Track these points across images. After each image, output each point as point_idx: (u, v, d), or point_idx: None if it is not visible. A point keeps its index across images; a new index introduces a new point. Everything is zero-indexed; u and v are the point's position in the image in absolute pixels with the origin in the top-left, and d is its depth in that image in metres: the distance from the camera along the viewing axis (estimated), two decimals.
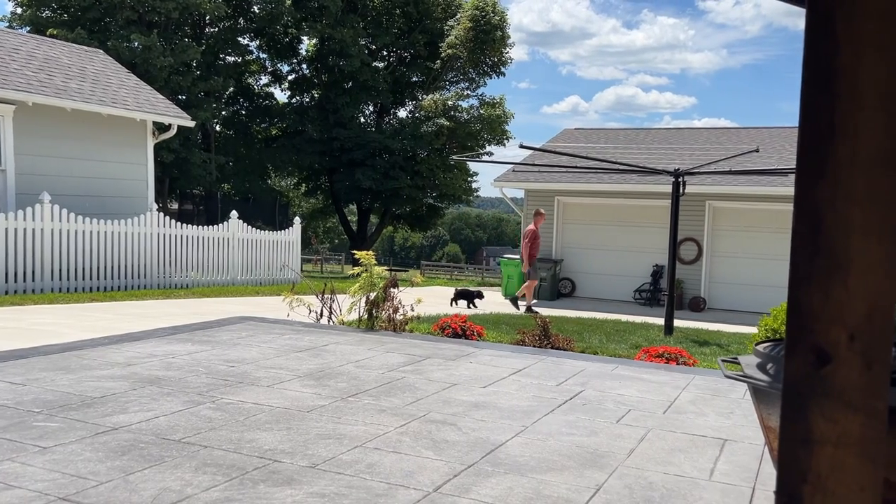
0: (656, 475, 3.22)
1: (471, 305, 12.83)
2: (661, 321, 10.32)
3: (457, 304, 12.80)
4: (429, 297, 13.76)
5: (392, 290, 6.88)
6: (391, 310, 6.97)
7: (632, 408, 4.38)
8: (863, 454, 1.59)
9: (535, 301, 17.06)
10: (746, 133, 22.26)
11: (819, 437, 1.62)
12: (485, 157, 26.40)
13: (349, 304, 7.17)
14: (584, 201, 18.93)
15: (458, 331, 6.79)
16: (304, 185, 31.67)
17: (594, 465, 3.32)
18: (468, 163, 29.73)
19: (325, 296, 7.46)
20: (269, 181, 32.49)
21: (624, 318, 12.89)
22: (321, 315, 7.44)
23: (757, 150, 10.97)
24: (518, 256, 19.38)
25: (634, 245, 18.74)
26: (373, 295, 6.98)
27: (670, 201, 10.04)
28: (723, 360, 2.80)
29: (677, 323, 10.20)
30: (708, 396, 4.71)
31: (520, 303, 12.88)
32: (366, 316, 6.96)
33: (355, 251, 7.32)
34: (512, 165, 19.00)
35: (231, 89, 28.47)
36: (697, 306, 16.76)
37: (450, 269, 54.74)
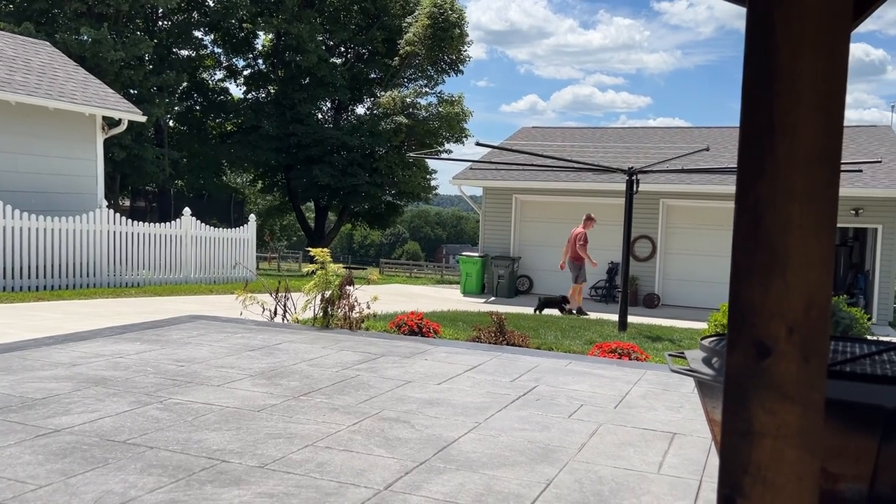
0: (606, 469, 3.25)
1: (563, 311, 12.46)
2: (615, 317, 10.44)
3: (540, 312, 12.24)
4: (386, 296, 13.69)
5: (348, 287, 6.83)
6: (347, 308, 6.91)
7: (584, 403, 4.42)
8: (801, 445, 1.62)
9: (493, 298, 17.12)
10: (699, 132, 22.69)
11: (759, 429, 1.64)
12: (443, 155, 26.40)
13: (304, 303, 7.09)
14: (542, 199, 19.08)
15: (414, 328, 6.77)
16: (260, 181, 31.24)
17: (545, 460, 3.33)
18: (427, 160, 29.70)
19: (280, 294, 7.37)
20: (225, 178, 31.98)
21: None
22: (275, 313, 7.35)
23: (707, 149, 11.18)
24: (476, 254, 19.45)
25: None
26: (328, 293, 6.91)
27: (623, 201, 10.17)
28: (670, 355, 2.84)
29: (632, 319, 10.34)
30: (658, 391, 4.78)
31: (566, 306, 12.72)
32: (321, 314, 6.90)
33: (310, 248, 7.24)
34: (470, 163, 19.04)
35: (185, 84, 27.92)
36: (652, 303, 17.02)
37: (409, 266, 54.66)
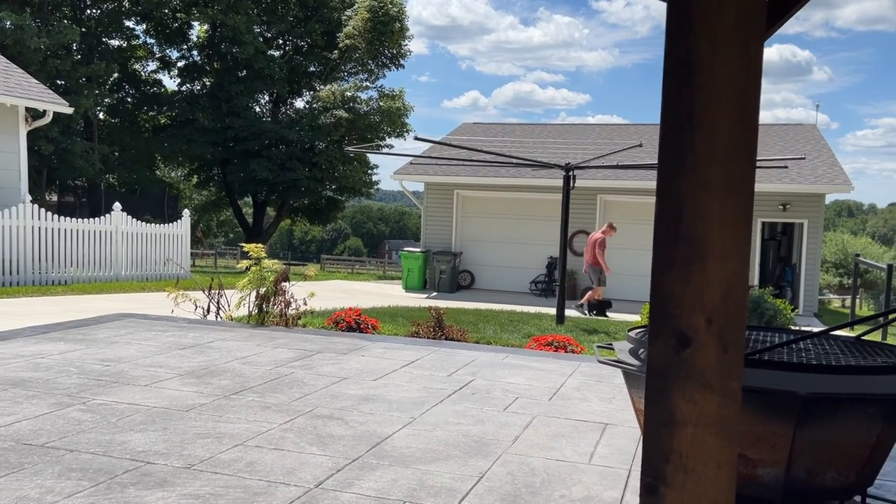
0: (539, 461, 3.28)
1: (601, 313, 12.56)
2: (554, 311, 10.57)
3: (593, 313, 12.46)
4: (326, 292, 13.52)
5: (284, 284, 6.71)
6: (283, 304, 6.80)
7: (519, 395, 4.45)
8: (720, 433, 1.65)
9: (435, 294, 17.11)
10: (635, 129, 23.17)
11: (680, 418, 1.67)
12: (384, 150, 26.25)
13: (238, 300, 6.94)
14: (483, 195, 19.17)
15: (352, 324, 6.70)
16: (195, 176, 30.46)
17: (479, 454, 3.34)
18: (368, 155, 29.48)
19: (213, 291, 7.19)
20: (158, 172, 31.09)
21: (519, 308, 13.14)
22: (208, 311, 7.18)
23: (640, 145, 11.40)
24: (418, 250, 19.43)
25: (530, 238, 19.16)
26: (263, 289, 6.78)
27: (562, 195, 10.30)
28: (599, 347, 2.88)
29: (569, 313, 10.49)
30: (592, 382, 4.85)
31: (583, 308, 12.79)
32: (255, 311, 6.76)
33: (244, 244, 7.09)
34: (411, 158, 19.00)
35: (115, 75, 26.99)
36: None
37: (351, 262, 54.25)
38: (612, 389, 4.69)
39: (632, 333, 2.74)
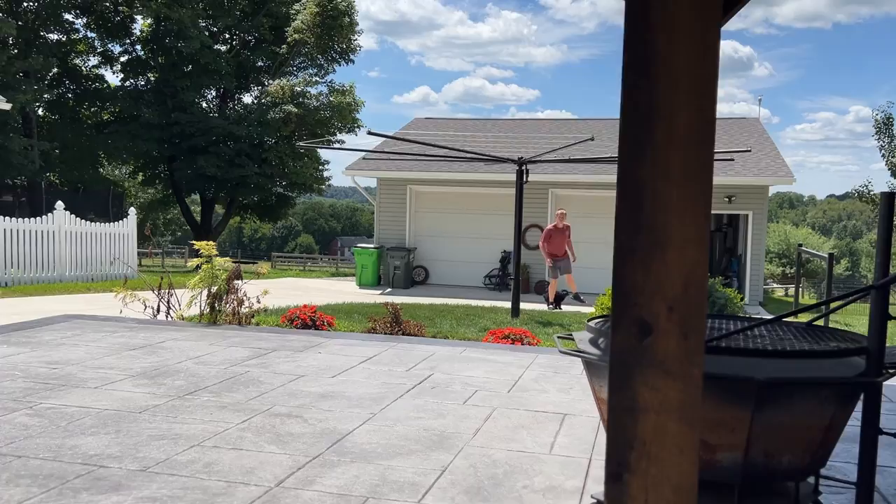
0: (500, 453, 3.29)
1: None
2: (509, 304, 10.64)
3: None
4: (279, 290, 13.33)
5: (236, 282, 6.59)
6: (235, 302, 6.68)
7: (479, 388, 4.47)
8: (682, 419, 1.68)
9: (389, 290, 17.04)
10: (585, 123, 23.44)
11: (643, 405, 1.69)
12: (335, 145, 26.00)
13: (189, 298, 6.80)
14: (436, 190, 19.16)
15: (307, 322, 6.63)
16: (140, 173, 29.66)
17: (441, 447, 3.34)
18: (319, 151, 29.17)
19: (163, 291, 7.03)
20: (102, 170, 30.20)
21: (474, 302, 13.19)
22: (158, 311, 7.01)
23: (592, 139, 11.53)
24: (372, 246, 19.35)
25: (484, 232, 19.24)
26: (215, 288, 6.65)
27: (515, 192, 10.37)
28: (559, 337, 2.90)
29: (524, 306, 10.57)
30: (550, 374, 4.89)
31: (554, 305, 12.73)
32: (208, 310, 6.63)
33: (196, 242, 6.94)
34: (363, 154, 18.88)
35: (55, 70, 26.10)
36: (543, 289, 17.44)
37: (303, 260, 53.68)
38: (569, 380, 4.74)
39: (591, 323, 2.76)
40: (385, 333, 6.33)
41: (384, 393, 4.29)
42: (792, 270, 44.49)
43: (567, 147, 11.81)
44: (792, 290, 37.73)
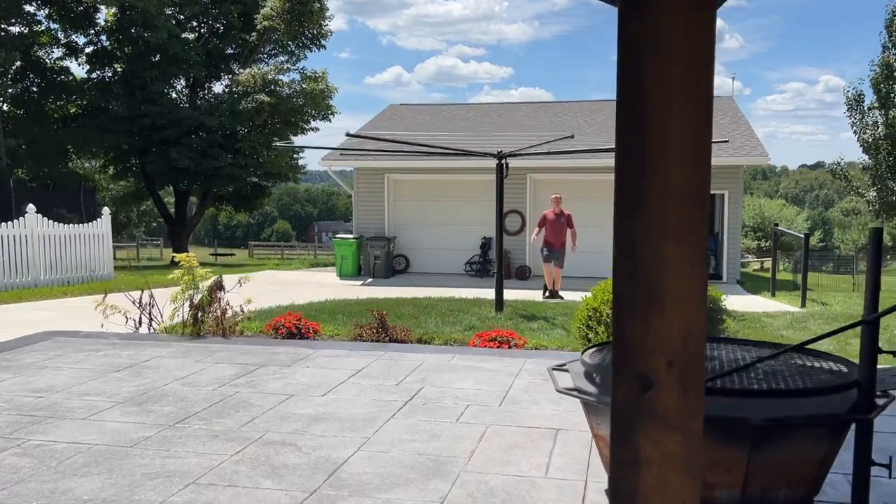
0: (497, 478, 3.31)
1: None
2: (491, 294, 10.66)
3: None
4: (259, 285, 13.16)
5: (219, 293, 6.52)
6: (219, 311, 6.62)
7: (470, 402, 4.48)
8: (683, 471, 1.69)
9: (370, 280, 16.99)
10: (562, 107, 23.43)
11: (645, 459, 1.70)
12: (311, 142, 25.75)
13: (171, 311, 6.72)
14: (414, 178, 19.09)
15: (292, 330, 6.59)
16: (111, 167, 29.17)
17: (437, 475, 3.35)
18: (293, 138, 28.89)
19: (144, 302, 6.94)
20: (72, 164, 29.64)
21: (457, 292, 13.19)
22: (140, 323, 6.92)
23: (572, 136, 11.50)
24: (351, 236, 19.27)
25: (463, 219, 19.24)
26: (197, 298, 6.58)
27: (494, 178, 10.36)
28: (554, 370, 2.91)
29: (507, 295, 10.58)
30: (539, 382, 4.92)
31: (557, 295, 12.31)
32: (191, 321, 6.56)
33: (175, 255, 6.85)
34: (340, 144, 18.73)
35: (18, 64, 25.47)
36: (524, 275, 17.51)
37: (280, 248, 53.31)
38: None
39: (586, 357, 2.78)
40: (372, 340, 6.32)
41: (376, 413, 4.29)
42: (767, 244, 45.17)
43: (547, 143, 11.77)
44: (767, 264, 38.32)
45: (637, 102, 1.58)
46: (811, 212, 62.74)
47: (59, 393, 4.68)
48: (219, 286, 6.53)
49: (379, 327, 6.43)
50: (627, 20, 1.56)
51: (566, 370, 2.86)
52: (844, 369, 2.57)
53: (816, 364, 2.69)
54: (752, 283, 17.89)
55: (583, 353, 2.83)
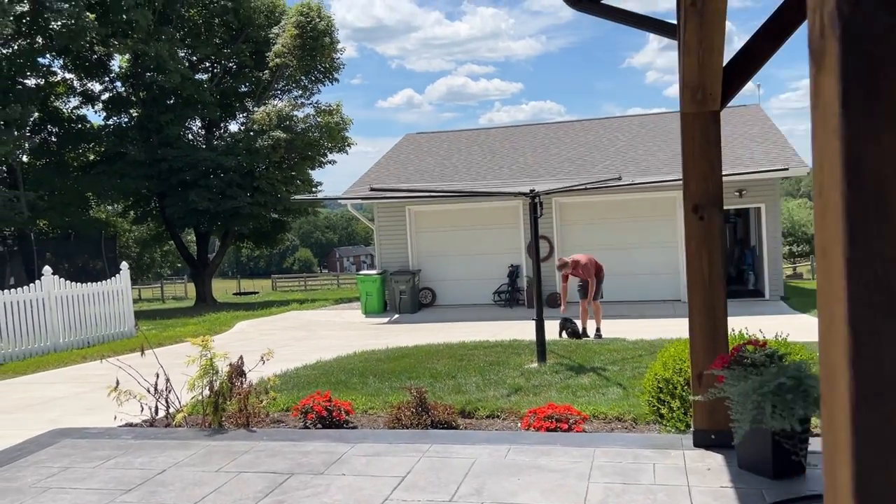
0: None
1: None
2: (526, 330, 9.96)
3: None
4: (283, 331, 12.35)
5: (239, 378, 5.91)
6: (241, 395, 6.00)
7: None
8: None
9: (397, 316, 16.35)
10: (581, 125, 22.78)
11: None
12: (330, 194, 25.48)
13: (190, 402, 6.11)
14: (435, 208, 18.54)
15: (322, 414, 5.94)
16: (132, 212, 28.95)
17: None
18: (311, 173, 28.59)
19: (160, 387, 6.36)
20: (92, 212, 29.48)
21: (490, 330, 12.54)
22: (156, 411, 6.33)
23: (619, 179, 10.80)
24: (374, 272, 18.72)
25: (489, 248, 18.62)
26: (217, 382, 5.97)
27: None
28: None
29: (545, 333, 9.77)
30: (619, 487, 4.19)
31: (579, 325, 11.53)
32: (211, 410, 5.95)
33: (191, 339, 6.25)
34: (359, 182, 18.26)
35: (36, 115, 25.37)
36: (555, 302, 16.82)
37: (303, 277, 53.03)
38: (643, 495, 4.05)
39: None
40: (411, 425, 5.65)
41: None
42: (797, 248, 44.10)
43: (589, 185, 10.97)
44: (799, 269, 37.23)
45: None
46: None
47: None
48: (239, 371, 5.92)
49: (418, 406, 5.77)
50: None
51: None
52: None
53: None
54: (797, 299, 16.92)
55: None
